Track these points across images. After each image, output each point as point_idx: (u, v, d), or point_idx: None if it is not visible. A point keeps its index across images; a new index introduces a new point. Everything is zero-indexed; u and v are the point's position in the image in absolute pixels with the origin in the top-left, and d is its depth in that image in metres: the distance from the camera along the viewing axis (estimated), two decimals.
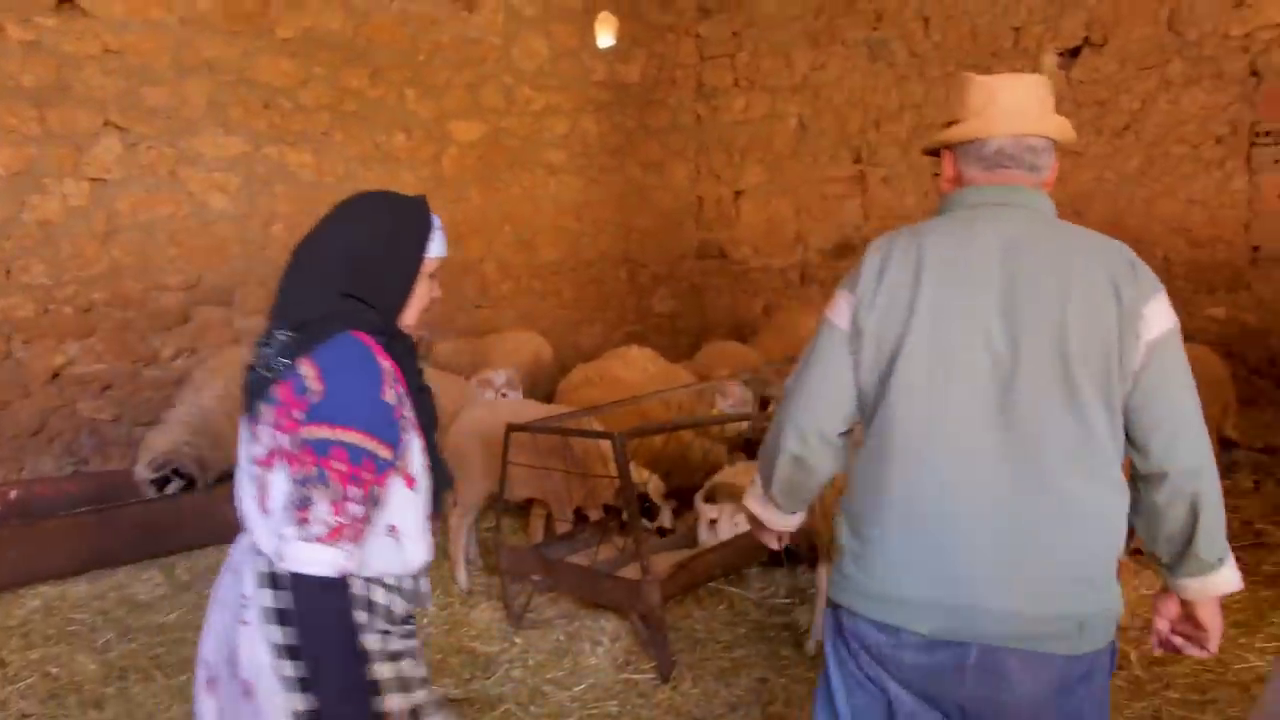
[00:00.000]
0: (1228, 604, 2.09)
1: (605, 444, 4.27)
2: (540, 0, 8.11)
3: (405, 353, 1.84)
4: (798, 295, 8.76)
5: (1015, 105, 1.88)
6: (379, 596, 1.79)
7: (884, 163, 8.10)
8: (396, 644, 1.82)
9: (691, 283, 9.62)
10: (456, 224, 7.32)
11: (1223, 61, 6.29)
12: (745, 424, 5.50)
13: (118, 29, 5.80)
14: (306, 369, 1.69)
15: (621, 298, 9.13)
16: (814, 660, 3.84)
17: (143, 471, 4.98)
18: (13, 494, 5.15)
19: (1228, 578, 1.80)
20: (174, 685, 3.72)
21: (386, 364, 1.76)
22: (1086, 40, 6.88)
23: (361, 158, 6.99)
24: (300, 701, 1.69)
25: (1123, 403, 1.74)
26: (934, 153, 2.02)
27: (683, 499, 4.79)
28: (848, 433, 1.97)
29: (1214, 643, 1.87)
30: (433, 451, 1.88)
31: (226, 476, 5.41)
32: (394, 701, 1.77)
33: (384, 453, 1.70)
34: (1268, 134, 6.18)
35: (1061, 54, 6.97)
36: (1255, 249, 6.32)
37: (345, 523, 1.65)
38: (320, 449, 1.64)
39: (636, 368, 6.07)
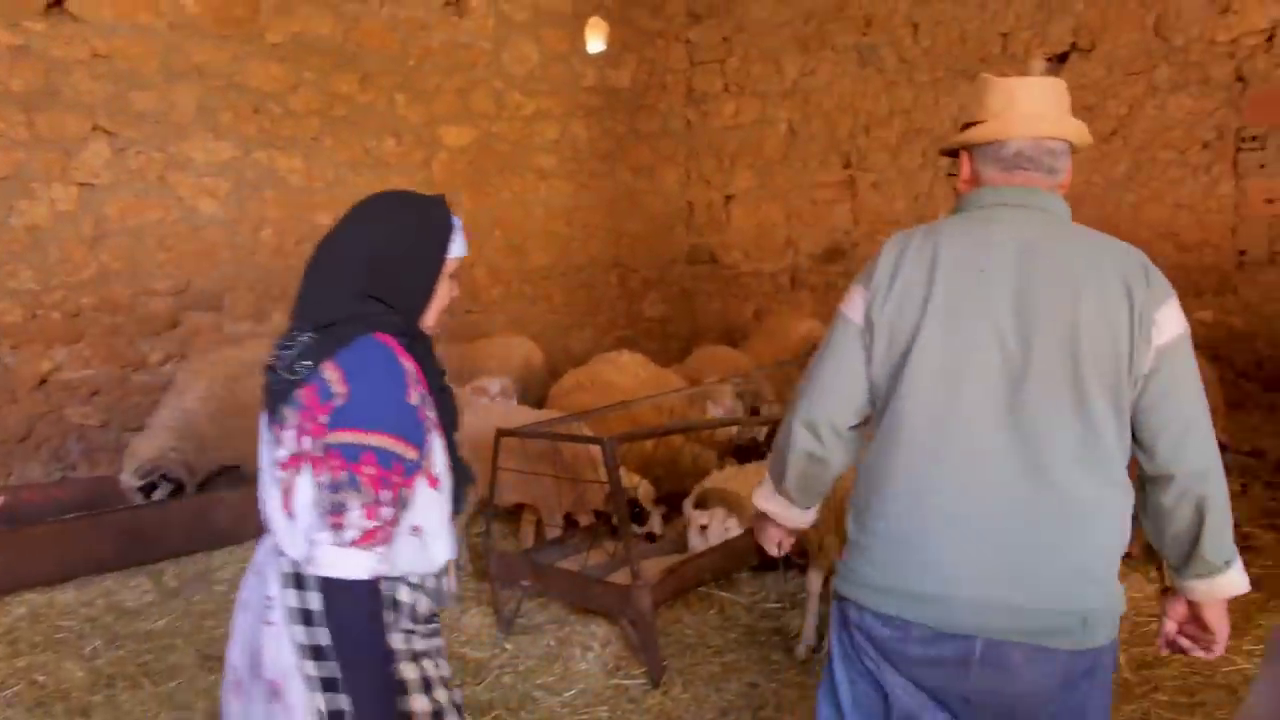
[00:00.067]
0: None
1: (595, 449, 4.27)
2: (530, 5, 8.11)
3: (426, 353, 1.84)
4: (788, 300, 8.78)
5: (1034, 108, 1.89)
6: (403, 595, 1.80)
7: (873, 168, 8.13)
8: (420, 643, 1.82)
9: (682, 287, 9.62)
10: None
11: (1209, 67, 6.34)
12: (735, 429, 5.50)
13: (106, 33, 5.78)
14: (330, 372, 1.68)
15: (612, 302, 9.13)
16: (805, 665, 3.84)
17: (129, 479, 4.95)
18: None
19: (1234, 580, 1.83)
20: (162, 693, 3.70)
21: (409, 365, 1.76)
22: (1074, 46, 6.92)
23: (351, 163, 6.98)
24: (324, 701, 1.69)
25: (1131, 405, 1.77)
26: (951, 153, 2.04)
27: (673, 504, 4.79)
28: (860, 426, 1.99)
29: (1220, 645, 1.89)
30: (453, 450, 1.88)
31: (213, 480, 5.41)
32: (419, 703, 1.78)
33: (411, 455, 1.71)
34: (1253, 139, 6.23)
35: (1049, 59, 7.01)
36: (1241, 253, 6.36)
37: (378, 526, 1.65)
38: (350, 454, 1.64)
39: (628, 373, 6.06)
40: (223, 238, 6.40)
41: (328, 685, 1.70)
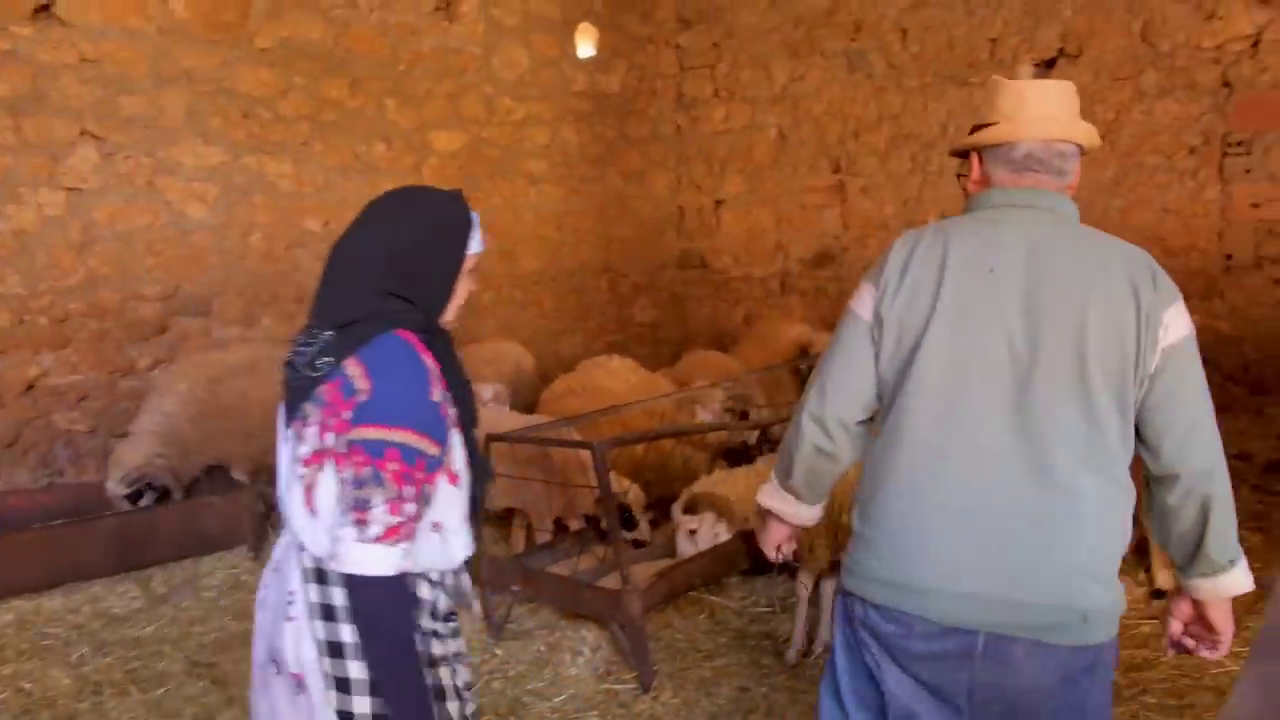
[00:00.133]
0: None
1: (585, 454, 4.27)
2: (521, 11, 8.12)
3: (446, 350, 1.84)
4: (778, 304, 8.79)
5: (1044, 110, 1.91)
6: (424, 592, 1.80)
7: (863, 172, 8.16)
8: (439, 647, 1.82)
9: (672, 292, 9.63)
10: None
11: (1195, 72, 6.38)
12: (725, 433, 5.50)
13: (95, 38, 5.76)
14: (353, 369, 1.68)
15: (602, 307, 9.14)
16: (795, 669, 3.85)
17: (115, 487, 4.91)
18: None
19: (1239, 579, 1.85)
20: (150, 700, 3.68)
21: (431, 362, 1.76)
22: (1061, 51, 6.96)
23: (341, 168, 6.97)
24: (336, 700, 1.71)
25: (1137, 405, 1.79)
26: (961, 154, 2.05)
27: (664, 509, 4.79)
28: (867, 422, 2.00)
29: (1225, 644, 1.91)
30: (472, 447, 1.87)
31: (199, 482, 5.38)
32: (447, 710, 1.80)
33: (434, 450, 1.71)
34: (1239, 144, 6.27)
35: (1037, 65, 7.04)
36: (1228, 257, 6.41)
37: (402, 521, 1.65)
38: (374, 450, 1.64)
39: (618, 378, 6.07)
40: (211, 243, 6.38)
41: (340, 685, 1.71)
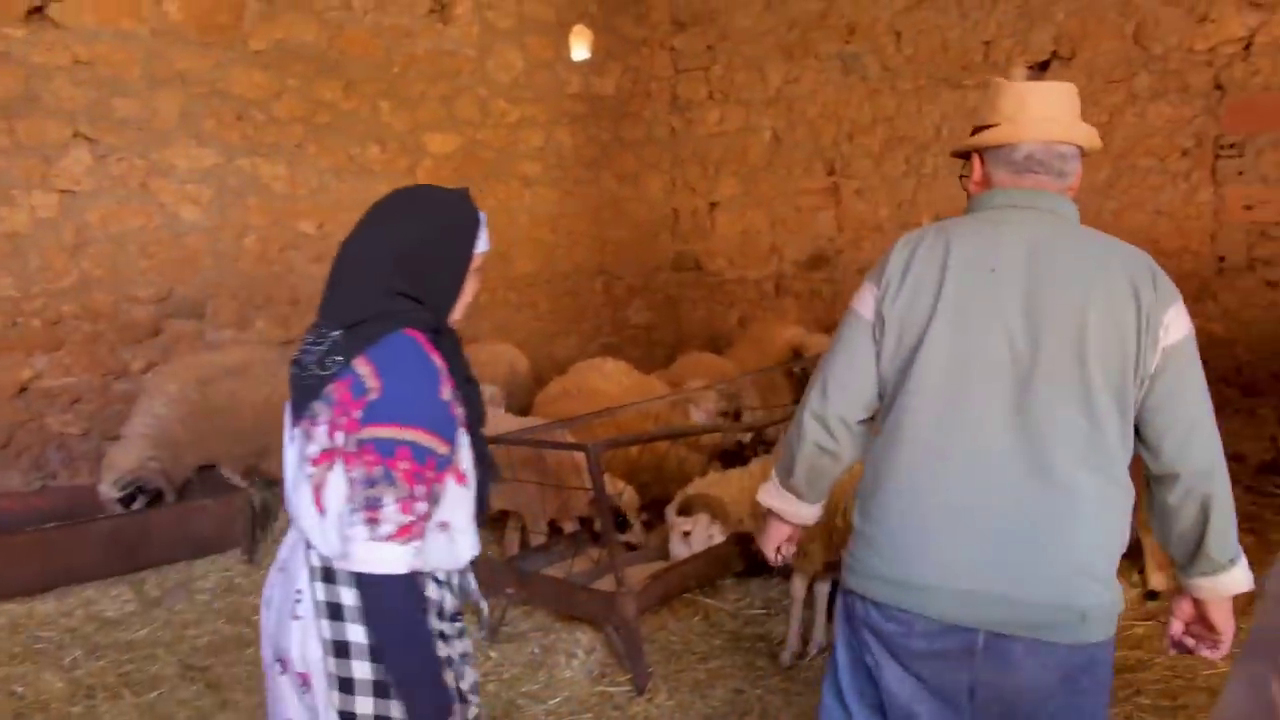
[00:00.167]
0: None
1: (579, 456, 4.27)
2: (515, 13, 8.12)
3: (453, 349, 1.85)
4: (773, 306, 8.80)
5: (1046, 112, 1.92)
6: (431, 591, 1.81)
7: (857, 175, 8.17)
8: (444, 649, 1.82)
9: (667, 294, 9.64)
10: None
11: (1187, 75, 6.40)
12: (720, 435, 5.50)
13: (88, 40, 5.75)
14: (363, 367, 1.69)
15: (597, 309, 9.14)
16: (789, 671, 3.84)
17: (109, 490, 4.89)
18: None
19: (1238, 577, 1.87)
20: (143, 703, 3.67)
21: (439, 361, 1.76)
22: (1055, 54, 6.97)
23: (335, 170, 6.96)
24: (339, 700, 1.71)
25: (1137, 405, 1.80)
26: (963, 155, 2.06)
27: (659, 510, 4.78)
28: (868, 421, 2.01)
29: (1226, 644, 1.92)
30: (479, 446, 1.88)
31: (191, 488, 5.36)
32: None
33: (444, 450, 1.71)
34: (1231, 146, 6.29)
35: (1030, 67, 7.06)
36: (1221, 259, 6.42)
37: (413, 520, 1.66)
38: (385, 449, 1.64)
39: (613, 380, 6.07)
40: (205, 245, 6.37)
41: (344, 685, 1.71)
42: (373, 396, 1.67)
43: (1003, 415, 1.80)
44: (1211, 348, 6.37)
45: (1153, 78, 6.53)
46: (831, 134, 8.27)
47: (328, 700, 1.72)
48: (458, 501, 1.81)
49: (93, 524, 4.80)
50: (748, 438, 5.76)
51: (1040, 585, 1.77)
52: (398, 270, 1.76)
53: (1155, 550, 4.24)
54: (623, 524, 4.64)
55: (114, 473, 4.90)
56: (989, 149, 1.96)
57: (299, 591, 1.77)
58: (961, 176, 2.06)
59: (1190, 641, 1.98)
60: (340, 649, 1.72)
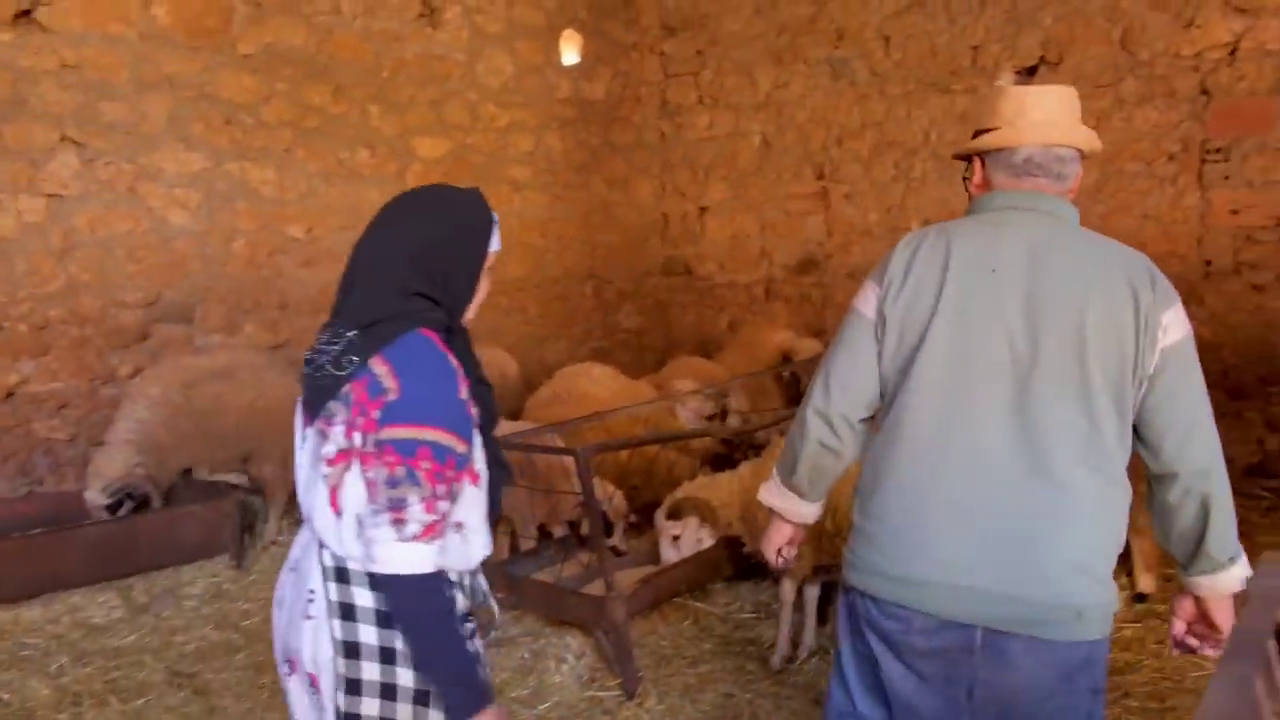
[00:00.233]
0: None
1: (569, 460, 4.27)
2: (505, 17, 8.12)
3: (465, 349, 1.85)
4: (762, 311, 8.81)
5: (1045, 116, 1.94)
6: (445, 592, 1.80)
7: (846, 179, 8.19)
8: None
9: (657, 299, 9.64)
10: None
11: (1174, 80, 6.44)
12: (710, 438, 5.51)
13: (76, 43, 5.73)
14: (379, 367, 1.68)
15: (587, 314, 9.13)
16: (779, 675, 3.84)
17: (96, 497, 4.84)
18: None
19: (1238, 576, 1.89)
20: (129, 710, 3.65)
21: (455, 361, 1.76)
22: (1042, 59, 7.01)
23: (324, 174, 6.94)
24: (344, 702, 1.71)
25: (1136, 405, 1.82)
26: (965, 158, 2.08)
27: (649, 514, 4.78)
28: (869, 419, 2.03)
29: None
30: (493, 447, 1.87)
31: (178, 494, 5.33)
32: (436, 718, 1.78)
33: (462, 449, 1.71)
34: (1218, 151, 6.33)
35: (1018, 72, 7.09)
36: (1208, 263, 6.46)
37: (437, 519, 1.66)
38: (405, 449, 1.64)
39: (603, 385, 6.07)
40: (194, 249, 6.35)
41: (351, 687, 1.71)
42: (391, 397, 1.66)
43: (1002, 415, 1.81)
44: (1199, 351, 6.39)
45: (1139, 83, 6.57)
46: (821, 139, 8.29)
47: (332, 700, 1.72)
48: (472, 502, 1.81)
49: (80, 530, 4.77)
50: (736, 440, 5.77)
51: (1038, 583, 1.78)
52: (413, 270, 1.76)
53: (1144, 552, 4.25)
54: (606, 528, 4.63)
55: (101, 480, 4.85)
56: (989, 152, 1.98)
57: (312, 592, 1.76)
58: (964, 178, 2.09)
59: (1193, 641, 2.00)
60: (350, 649, 1.71)
